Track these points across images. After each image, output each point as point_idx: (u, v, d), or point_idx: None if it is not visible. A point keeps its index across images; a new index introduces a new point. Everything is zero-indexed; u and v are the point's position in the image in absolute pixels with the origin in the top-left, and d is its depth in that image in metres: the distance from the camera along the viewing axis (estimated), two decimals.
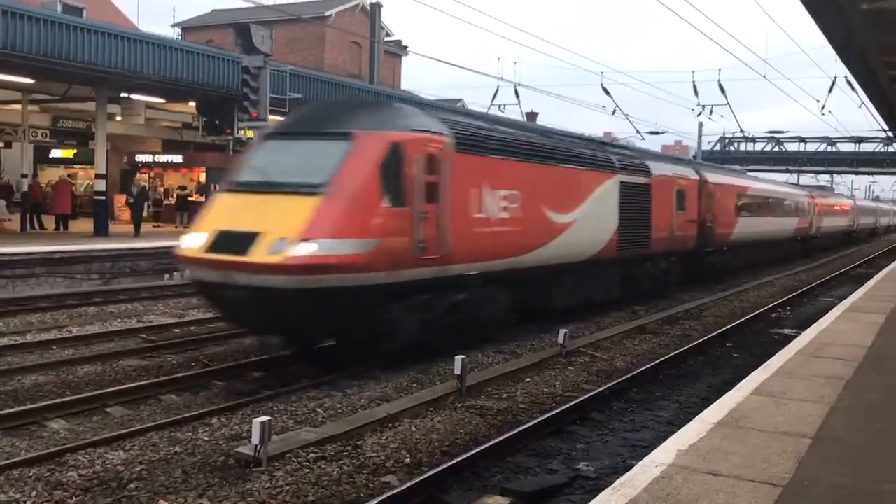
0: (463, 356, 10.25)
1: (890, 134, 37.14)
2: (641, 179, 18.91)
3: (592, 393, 10.22)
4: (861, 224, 62.39)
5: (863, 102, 28.15)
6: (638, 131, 48.68)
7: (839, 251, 47.79)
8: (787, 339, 11.87)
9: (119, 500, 6.45)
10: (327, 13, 44.23)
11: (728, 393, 7.53)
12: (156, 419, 8.65)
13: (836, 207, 50.19)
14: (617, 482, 4.94)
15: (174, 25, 51.27)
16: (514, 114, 36.34)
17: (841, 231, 52.17)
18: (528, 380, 11.25)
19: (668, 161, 23.64)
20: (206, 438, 8.04)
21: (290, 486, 6.76)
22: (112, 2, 50.45)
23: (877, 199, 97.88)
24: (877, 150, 63.70)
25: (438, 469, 7.11)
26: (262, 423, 7.16)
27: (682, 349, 13.43)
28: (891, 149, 59.47)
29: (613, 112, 37.50)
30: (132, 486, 6.73)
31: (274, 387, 10.07)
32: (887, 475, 5.26)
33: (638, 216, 18.45)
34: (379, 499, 6.33)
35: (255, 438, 7.17)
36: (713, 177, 25.46)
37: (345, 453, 7.67)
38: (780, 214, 34.47)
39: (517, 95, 35.73)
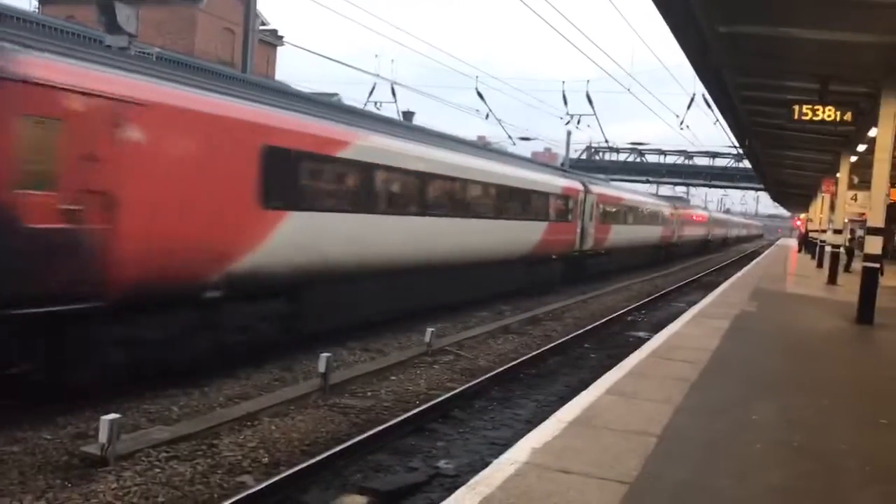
0: (328, 354, 10.15)
1: (741, 151, 39.59)
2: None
3: (455, 391, 10.35)
4: (715, 234, 68.36)
5: (717, 120, 29.89)
6: (510, 136, 49.62)
7: (693, 259, 51.13)
8: (641, 342, 12.43)
9: None
10: None
11: (582, 392, 7.80)
12: None
13: (694, 218, 54.70)
14: (472, 480, 5.01)
15: None
16: (391, 112, 36.25)
17: (699, 240, 57.13)
18: (394, 378, 11.27)
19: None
20: (48, 437, 7.58)
21: (138, 486, 6.47)
22: None
23: (727, 211, 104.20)
24: (729, 164, 67.89)
25: (296, 469, 6.99)
26: (111, 422, 6.82)
27: (543, 349, 13.81)
28: (741, 165, 63.43)
29: (487, 116, 38.08)
30: None
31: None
32: (722, 472, 5.59)
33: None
34: (233, 499, 6.16)
35: (103, 437, 6.83)
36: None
37: (199, 452, 7.43)
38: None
39: (394, 94, 35.73)
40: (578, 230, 25.94)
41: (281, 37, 50.09)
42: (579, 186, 26.16)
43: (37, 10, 43.74)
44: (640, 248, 36.51)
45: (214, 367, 10.46)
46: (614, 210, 30.83)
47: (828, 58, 14.96)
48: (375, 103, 38.58)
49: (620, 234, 31.56)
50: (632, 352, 10.65)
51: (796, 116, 15.75)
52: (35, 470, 6.74)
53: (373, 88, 36.98)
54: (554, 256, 23.96)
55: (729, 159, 66.61)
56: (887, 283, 22.39)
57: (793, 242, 72.43)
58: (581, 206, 25.91)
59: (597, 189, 28.45)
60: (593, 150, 71.12)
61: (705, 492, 5.14)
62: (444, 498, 4.94)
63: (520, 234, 20.90)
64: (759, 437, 6.54)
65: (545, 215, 22.80)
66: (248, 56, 32.28)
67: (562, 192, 24.27)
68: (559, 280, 24.77)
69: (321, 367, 9.95)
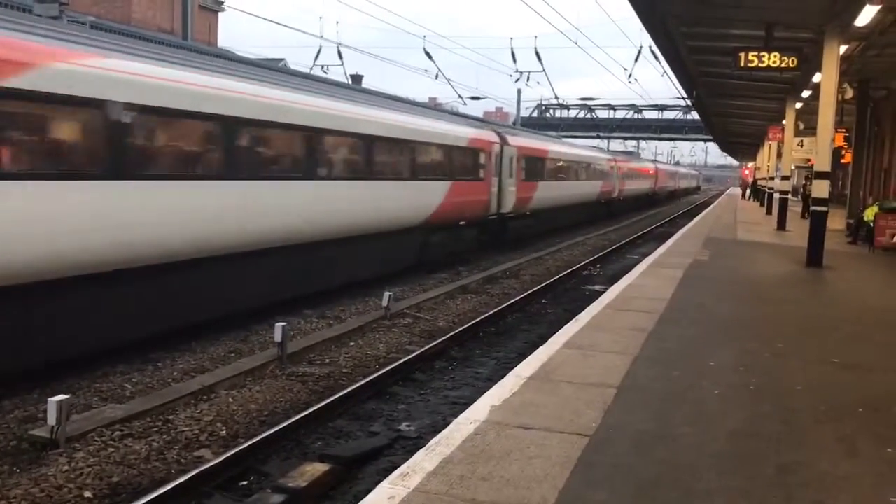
0: (283, 323, 9.99)
1: (689, 102, 39.89)
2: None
3: (414, 354, 10.29)
4: (662, 187, 65.83)
5: (665, 72, 30.03)
6: (460, 96, 49.44)
7: (643, 212, 50.77)
8: (597, 295, 12.49)
9: None
10: None
11: (540, 348, 7.78)
12: None
13: (638, 171, 51.74)
14: (432, 441, 4.94)
15: None
16: (339, 76, 35.65)
17: (644, 194, 54.35)
18: (353, 344, 11.16)
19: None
20: None
21: (91, 467, 6.29)
22: None
23: (677, 163, 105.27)
24: (678, 117, 68.59)
25: (255, 440, 6.87)
26: (59, 402, 6.61)
27: (501, 307, 13.81)
28: (689, 116, 64.07)
29: (436, 76, 37.72)
30: None
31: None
32: (682, 419, 5.61)
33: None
34: (190, 474, 6.02)
35: (52, 419, 6.62)
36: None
37: (154, 429, 7.26)
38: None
39: (340, 57, 35.15)
40: (494, 189, 21.76)
41: (221, 2, 48.80)
42: (493, 138, 22.03)
43: None
44: (576, 206, 33.18)
45: (170, 341, 10.24)
46: (541, 165, 26.98)
47: (772, 3, 15.00)
48: (322, 67, 37.92)
49: (550, 191, 27.87)
50: (588, 305, 10.68)
51: (742, 63, 15.82)
52: None
53: (318, 52, 36.27)
54: (462, 223, 19.82)
55: (678, 111, 67.33)
56: (834, 226, 22.85)
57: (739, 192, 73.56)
58: (497, 160, 21.91)
59: (517, 141, 24.63)
60: (544, 107, 71.24)
61: (665, 440, 5.16)
62: (406, 460, 4.87)
63: (408, 199, 16.39)
64: (716, 383, 6.60)
65: (446, 173, 18.43)
66: (189, 24, 31.38)
67: (469, 144, 19.95)
68: (472, 249, 21.04)
69: (277, 337, 9.79)
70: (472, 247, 20.97)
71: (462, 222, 19.72)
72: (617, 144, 73.25)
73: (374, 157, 14.90)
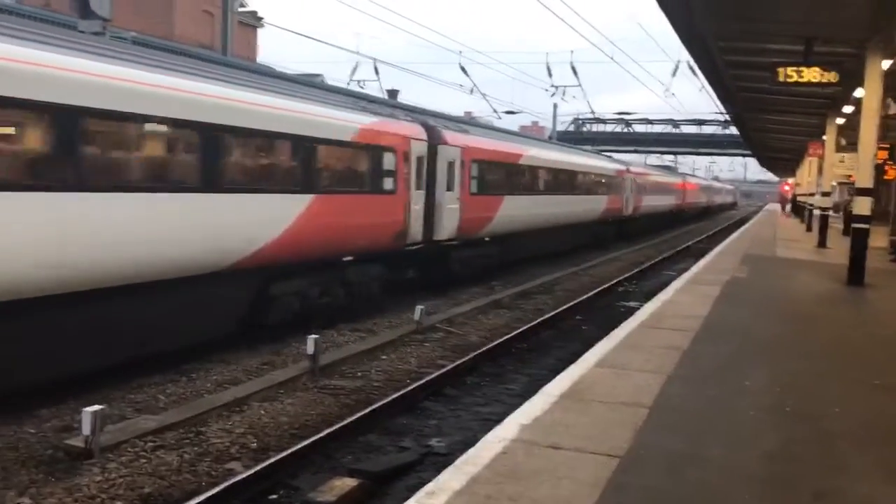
0: (316, 336, 10.05)
1: (727, 117, 39.46)
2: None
3: (446, 369, 10.26)
4: (692, 203, 58.36)
5: (703, 86, 29.76)
6: (495, 110, 49.37)
7: (663, 234, 42.88)
8: (632, 312, 12.36)
9: None
10: None
11: (572, 365, 7.70)
12: None
13: (662, 184, 43.26)
14: (459, 460, 4.91)
15: None
16: (375, 90, 35.90)
17: (667, 211, 46.35)
18: (384, 357, 11.17)
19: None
20: (32, 431, 7.44)
21: (123, 478, 6.36)
22: None
23: (716, 178, 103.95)
24: (716, 131, 67.83)
25: (285, 453, 6.89)
26: (94, 413, 6.70)
27: (534, 322, 13.73)
28: (728, 131, 63.36)
29: (472, 91, 37.84)
30: None
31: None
32: (716, 440, 5.51)
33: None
34: (219, 487, 6.06)
35: (86, 429, 6.71)
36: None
37: (186, 441, 7.32)
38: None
39: (377, 72, 35.45)
40: (417, 207, 15.28)
41: (260, 18, 49.56)
42: (413, 132, 15.38)
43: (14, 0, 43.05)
44: (567, 227, 25.88)
45: (203, 352, 10.34)
46: (508, 173, 20.41)
47: (811, 18, 14.78)
48: (359, 82, 38.27)
49: (523, 209, 21.16)
50: (623, 322, 10.57)
51: (781, 79, 15.63)
52: (18, 465, 6.62)
53: (355, 67, 36.59)
54: (349, 258, 13.30)
55: (716, 126, 66.58)
56: (876, 243, 22.38)
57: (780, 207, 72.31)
58: (421, 165, 15.57)
59: (464, 140, 17.85)
60: (580, 122, 70.96)
61: (698, 461, 5.06)
62: (435, 477, 4.84)
63: (204, 222, 9.88)
64: (752, 404, 6.47)
65: (300, 183, 11.72)
66: (228, 39, 31.95)
67: (356, 139, 13.23)
68: (370, 296, 14.40)
69: (310, 349, 9.84)
70: (371, 292, 14.49)
71: (348, 257, 13.34)
72: (654, 159, 72.43)
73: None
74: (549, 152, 25.42)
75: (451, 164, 16.88)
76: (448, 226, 16.82)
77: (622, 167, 33.52)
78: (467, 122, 25.59)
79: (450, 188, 16.82)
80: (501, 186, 19.93)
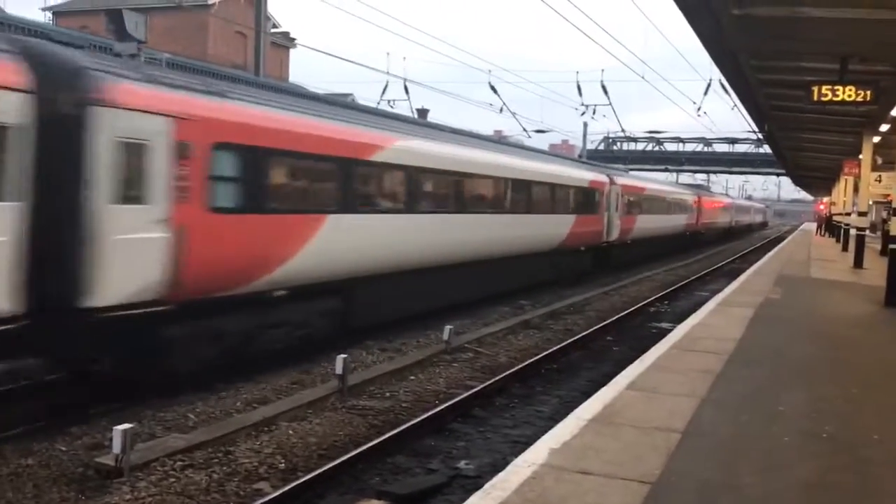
0: (345, 356, 10.03)
1: (760, 135, 39.04)
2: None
3: (475, 390, 10.19)
4: (739, 221, 65.63)
5: (735, 105, 29.45)
6: (525, 129, 49.42)
7: (715, 247, 49.11)
8: (664, 333, 12.20)
9: None
10: (210, 1, 42.78)
11: (603, 388, 7.61)
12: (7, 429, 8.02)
13: (665, 199, 37.76)
14: (487, 484, 4.86)
15: (45, 9, 48.48)
16: (404, 110, 36.07)
17: (677, 235, 40.73)
18: (413, 378, 11.13)
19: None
20: (63, 449, 7.51)
21: (153, 496, 6.39)
22: None
23: (749, 198, 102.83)
24: (749, 150, 67.12)
25: (313, 474, 6.88)
26: (124, 431, 6.74)
27: (564, 343, 13.61)
28: (761, 150, 62.68)
29: (501, 110, 37.83)
30: None
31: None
32: (749, 468, 5.39)
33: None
34: None
35: (116, 447, 6.75)
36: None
37: (215, 460, 7.33)
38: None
39: (406, 91, 35.55)
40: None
41: (293, 39, 50.17)
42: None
43: (52, 22, 44.11)
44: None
45: (233, 372, 10.39)
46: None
47: (846, 36, 14.58)
48: (389, 102, 38.47)
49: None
50: (654, 344, 10.44)
51: (815, 97, 15.39)
52: (50, 483, 6.68)
53: (385, 87, 36.76)
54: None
55: (749, 145, 65.86)
56: None
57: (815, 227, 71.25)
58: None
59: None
60: (611, 140, 70.64)
61: (731, 490, 4.95)
62: (464, 500, 4.79)
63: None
64: (787, 429, 6.33)
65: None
66: (261, 60, 32.31)
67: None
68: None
69: (338, 369, 9.83)
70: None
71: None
72: (686, 178, 71.87)
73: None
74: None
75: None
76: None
77: (602, 177, 26.57)
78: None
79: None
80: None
